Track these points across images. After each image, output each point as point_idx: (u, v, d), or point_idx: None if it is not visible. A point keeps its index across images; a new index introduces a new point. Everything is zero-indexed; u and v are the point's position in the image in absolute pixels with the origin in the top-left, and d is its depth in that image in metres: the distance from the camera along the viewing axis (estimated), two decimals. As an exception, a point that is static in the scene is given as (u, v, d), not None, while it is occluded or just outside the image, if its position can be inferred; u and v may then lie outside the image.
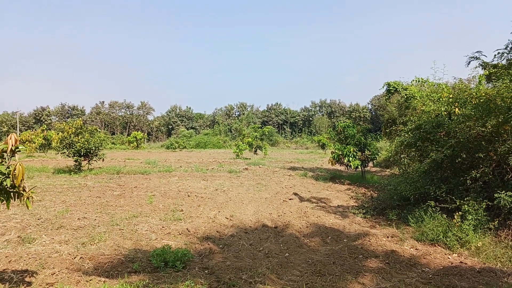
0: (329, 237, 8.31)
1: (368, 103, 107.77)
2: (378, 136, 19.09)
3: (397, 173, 15.58)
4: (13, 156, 4.45)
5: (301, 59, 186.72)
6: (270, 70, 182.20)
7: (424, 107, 12.38)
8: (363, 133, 18.75)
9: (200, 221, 9.34)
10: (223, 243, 7.70)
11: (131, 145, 59.81)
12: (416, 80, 16.04)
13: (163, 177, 18.31)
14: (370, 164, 20.26)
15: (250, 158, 33.59)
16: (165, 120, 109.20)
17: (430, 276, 5.91)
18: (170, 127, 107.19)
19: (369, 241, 7.86)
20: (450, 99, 11.28)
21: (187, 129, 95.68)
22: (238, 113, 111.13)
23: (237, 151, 34.96)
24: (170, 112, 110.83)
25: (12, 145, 4.37)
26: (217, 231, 8.58)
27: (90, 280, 5.42)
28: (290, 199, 12.75)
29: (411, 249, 7.36)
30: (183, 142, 60.80)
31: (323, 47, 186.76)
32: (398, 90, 17.80)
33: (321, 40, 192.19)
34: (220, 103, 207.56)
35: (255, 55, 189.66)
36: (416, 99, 14.90)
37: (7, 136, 4.50)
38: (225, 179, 17.67)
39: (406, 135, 11.26)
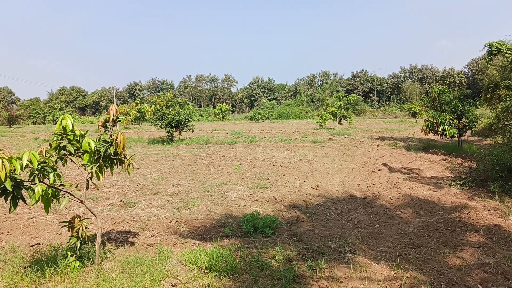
0: (423, 209, 7.86)
1: (465, 67, 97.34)
2: (477, 103, 17.23)
3: (500, 142, 14.00)
4: (114, 126, 4.77)
5: (387, 22, 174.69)
6: (354, 35, 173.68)
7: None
8: (460, 99, 17.05)
9: (286, 190, 9.37)
10: (310, 212, 7.63)
11: (217, 116, 62.24)
12: None
13: (248, 147, 18.74)
14: (468, 133, 18.54)
15: (334, 128, 32.78)
16: (247, 92, 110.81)
17: (543, 254, 5.25)
18: (253, 98, 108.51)
19: (467, 214, 7.28)
20: None
21: (269, 100, 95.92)
22: (321, 82, 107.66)
23: (320, 121, 34.31)
24: (252, 84, 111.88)
25: (114, 115, 4.69)
26: (303, 200, 8.54)
27: (186, 242, 5.74)
28: (379, 170, 12.20)
29: (518, 224, 6.62)
30: (266, 113, 61.51)
31: (412, 7, 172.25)
32: (502, 50, 15.68)
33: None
34: (302, 73, 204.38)
35: (338, 22, 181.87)
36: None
37: (106, 110, 4.83)
38: (309, 149, 17.49)
39: (512, 100, 10.00)
